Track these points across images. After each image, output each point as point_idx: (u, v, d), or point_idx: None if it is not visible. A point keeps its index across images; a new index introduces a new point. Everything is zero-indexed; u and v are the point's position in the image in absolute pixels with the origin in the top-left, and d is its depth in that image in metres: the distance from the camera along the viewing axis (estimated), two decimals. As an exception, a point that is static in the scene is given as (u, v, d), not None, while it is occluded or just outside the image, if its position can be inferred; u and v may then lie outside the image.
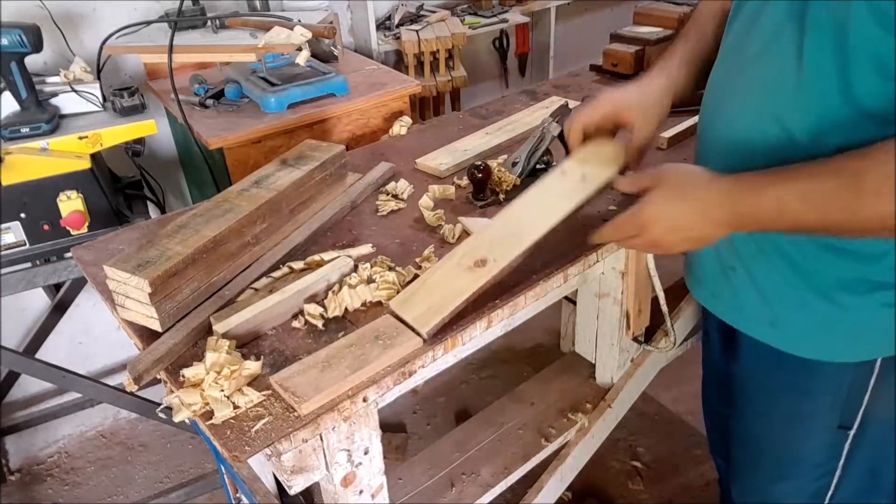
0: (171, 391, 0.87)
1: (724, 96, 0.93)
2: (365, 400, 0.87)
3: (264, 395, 0.85)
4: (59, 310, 2.00)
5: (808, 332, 0.92)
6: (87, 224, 1.50)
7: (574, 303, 1.45)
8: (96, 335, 2.20)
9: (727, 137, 0.91)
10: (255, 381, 0.87)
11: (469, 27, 2.41)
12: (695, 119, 1.48)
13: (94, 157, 1.49)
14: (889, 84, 0.73)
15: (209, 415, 0.83)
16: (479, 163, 1.22)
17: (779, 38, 0.82)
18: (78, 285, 1.92)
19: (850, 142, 0.76)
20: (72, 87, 1.55)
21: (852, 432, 0.96)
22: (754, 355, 1.01)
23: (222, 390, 0.84)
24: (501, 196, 1.25)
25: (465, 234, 1.17)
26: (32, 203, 1.46)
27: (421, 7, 2.50)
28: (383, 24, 2.41)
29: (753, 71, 0.87)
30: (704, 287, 1.06)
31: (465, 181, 1.32)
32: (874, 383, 0.91)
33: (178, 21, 1.70)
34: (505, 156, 1.38)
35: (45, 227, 1.48)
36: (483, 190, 1.24)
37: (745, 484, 1.14)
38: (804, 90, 0.80)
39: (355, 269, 1.06)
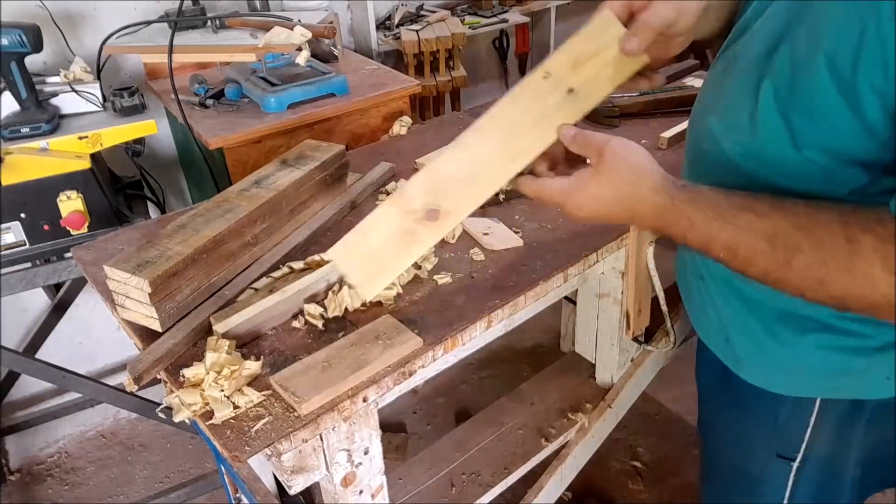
0: (171, 391, 0.87)
1: (706, 103, 0.88)
2: (365, 400, 0.87)
3: (264, 395, 0.85)
4: (59, 310, 2.00)
5: (751, 358, 0.90)
6: (87, 224, 1.50)
7: (574, 303, 1.45)
8: (96, 335, 2.20)
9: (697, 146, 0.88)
10: (255, 381, 0.87)
11: (469, 27, 2.41)
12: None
13: (94, 157, 1.49)
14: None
15: (209, 415, 0.83)
16: None
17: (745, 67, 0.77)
18: (78, 285, 1.92)
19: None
20: (72, 87, 1.55)
21: (795, 465, 0.93)
22: (710, 366, 0.99)
23: (222, 390, 0.84)
24: (501, 196, 1.25)
25: (465, 233, 1.17)
26: (32, 203, 1.46)
27: (421, 7, 2.50)
28: (383, 24, 2.41)
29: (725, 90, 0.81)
30: (682, 288, 1.04)
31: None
32: (815, 421, 0.88)
33: (178, 21, 1.70)
34: None
35: (45, 227, 1.48)
36: None
37: (708, 492, 1.13)
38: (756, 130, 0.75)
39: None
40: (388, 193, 1.30)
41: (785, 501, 0.96)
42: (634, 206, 0.77)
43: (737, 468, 1.01)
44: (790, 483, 0.94)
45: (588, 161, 0.81)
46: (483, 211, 1.24)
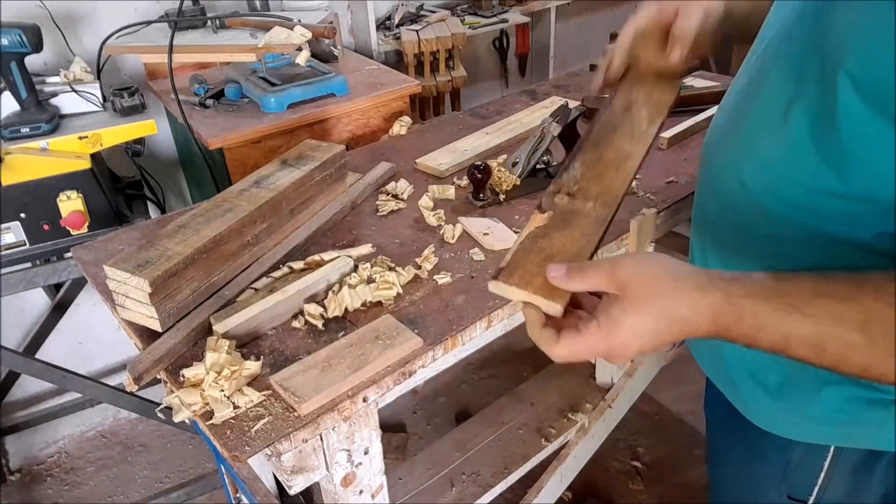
0: (171, 391, 0.87)
1: (725, 137, 0.83)
2: (365, 400, 0.87)
3: (264, 395, 0.85)
4: (59, 310, 2.00)
5: (760, 404, 0.87)
6: (87, 224, 1.50)
7: (574, 303, 1.45)
8: (96, 335, 2.20)
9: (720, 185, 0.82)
10: (255, 381, 0.87)
11: (469, 27, 2.41)
12: (695, 119, 1.48)
13: (94, 157, 1.49)
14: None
15: (209, 415, 0.83)
16: (479, 163, 1.22)
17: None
18: (78, 285, 1.92)
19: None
20: (72, 87, 1.55)
21: None
22: (718, 401, 0.96)
23: (222, 390, 0.84)
24: (501, 196, 1.25)
25: (466, 234, 1.17)
26: (32, 203, 1.46)
27: (421, 7, 2.50)
28: (383, 24, 2.41)
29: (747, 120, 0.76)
30: None
31: (465, 181, 1.32)
32: (828, 465, 0.85)
33: (178, 21, 1.70)
34: (505, 156, 1.38)
35: (45, 227, 1.48)
36: (483, 190, 1.24)
37: None
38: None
39: (355, 269, 1.06)
40: (388, 193, 1.30)
41: None
42: (684, 318, 0.62)
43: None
44: None
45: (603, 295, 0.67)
46: (483, 211, 1.24)
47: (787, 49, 0.71)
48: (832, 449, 0.84)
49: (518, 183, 1.24)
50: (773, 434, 0.86)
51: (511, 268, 0.68)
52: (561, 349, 0.65)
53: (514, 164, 1.26)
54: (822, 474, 0.86)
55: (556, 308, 0.65)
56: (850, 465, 0.84)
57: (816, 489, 0.87)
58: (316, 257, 1.08)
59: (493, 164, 1.27)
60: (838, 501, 0.87)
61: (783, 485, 0.90)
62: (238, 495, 1.53)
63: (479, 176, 1.21)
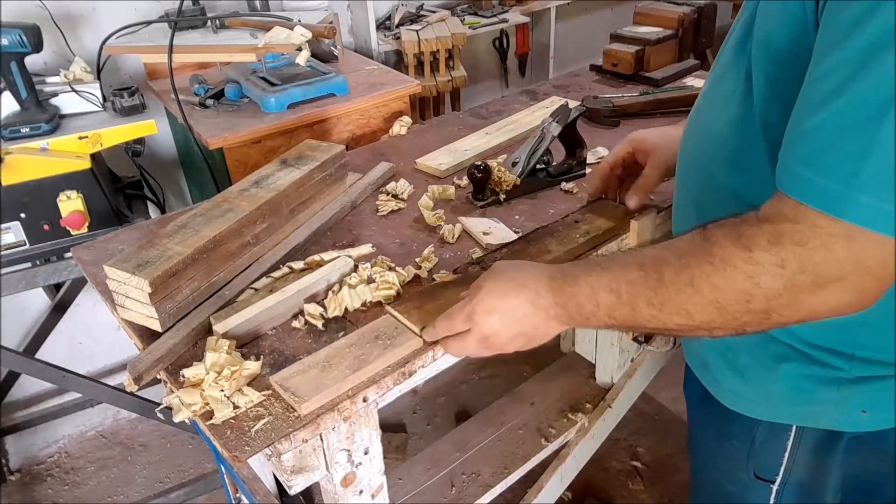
0: (171, 391, 0.87)
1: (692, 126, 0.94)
2: (365, 400, 0.87)
3: (264, 395, 0.85)
4: (59, 310, 2.00)
5: (728, 384, 0.90)
6: (87, 224, 1.50)
7: (574, 303, 1.45)
8: (96, 335, 2.20)
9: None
10: (255, 381, 0.87)
11: (469, 27, 2.41)
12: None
13: (94, 157, 1.49)
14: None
15: (209, 415, 0.83)
16: (479, 163, 1.22)
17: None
18: (78, 285, 1.92)
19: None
20: (72, 87, 1.55)
21: (775, 487, 0.92)
22: (694, 386, 0.99)
23: (222, 390, 0.84)
24: (501, 196, 1.25)
25: (465, 234, 1.17)
26: (32, 203, 1.46)
27: (421, 7, 2.50)
28: (383, 24, 2.41)
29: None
30: None
31: (465, 181, 1.32)
32: (791, 445, 0.88)
33: (178, 21, 1.70)
34: (505, 155, 1.38)
35: (45, 227, 1.48)
36: (483, 190, 1.24)
37: None
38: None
39: (355, 269, 1.06)
40: (387, 193, 1.30)
41: None
42: (526, 283, 0.79)
43: (720, 487, 1.00)
44: None
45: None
46: (483, 211, 1.24)
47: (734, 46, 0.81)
48: (794, 429, 0.86)
49: (518, 183, 1.24)
50: (739, 414, 0.89)
51: (404, 301, 0.97)
52: (436, 325, 0.87)
53: (514, 164, 1.26)
54: (787, 454, 0.89)
55: (418, 331, 0.91)
56: (811, 445, 0.86)
57: (782, 469, 0.90)
58: (316, 257, 1.08)
59: (492, 164, 1.27)
60: (802, 482, 0.90)
61: (749, 464, 0.92)
62: (238, 495, 1.53)
63: (479, 176, 1.21)
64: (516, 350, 0.84)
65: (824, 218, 0.59)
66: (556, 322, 0.79)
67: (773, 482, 0.92)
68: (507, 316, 0.80)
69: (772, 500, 0.93)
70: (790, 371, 0.82)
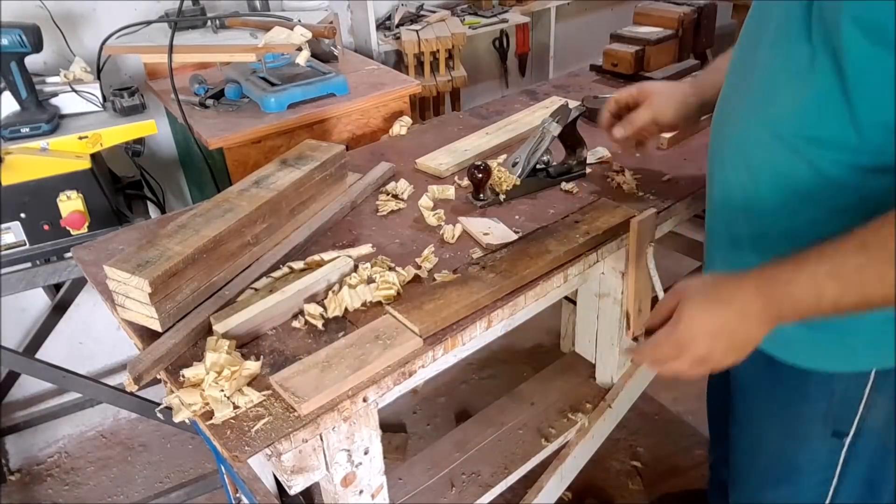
0: (171, 391, 0.87)
1: (731, 106, 0.93)
2: (365, 400, 0.87)
3: (264, 395, 0.85)
4: (59, 310, 2.00)
5: (801, 342, 0.91)
6: (87, 224, 1.50)
7: (574, 303, 1.45)
8: (96, 335, 2.20)
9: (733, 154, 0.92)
10: (255, 381, 0.87)
11: (469, 27, 2.41)
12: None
13: (94, 157, 1.49)
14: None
15: (209, 415, 0.83)
16: (479, 163, 1.22)
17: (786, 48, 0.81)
18: (78, 285, 1.92)
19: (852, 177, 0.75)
20: (72, 87, 1.55)
21: (848, 440, 0.94)
22: (751, 361, 1.00)
23: (222, 390, 0.84)
24: (501, 196, 1.25)
25: (465, 234, 1.17)
26: (32, 203, 1.46)
27: (421, 7, 2.50)
28: (383, 24, 2.41)
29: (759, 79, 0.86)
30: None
31: (465, 181, 1.32)
32: (869, 392, 0.90)
33: (178, 21, 1.69)
34: (505, 156, 1.38)
35: (45, 227, 1.48)
36: (483, 190, 1.24)
37: (742, 488, 1.14)
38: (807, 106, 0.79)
39: (355, 269, 1.06)
40: (388, 193, 1.30)
41: (833, 485, 0.98)
42: (731, 293, 0.78)
43: (780, 459, 1.02)
44: (840, 462, 0.96)
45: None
46: (483, 211, 1.24)
47: (783, 17, 0.81)
48: (873, 374, 0.88)
49: (518, 183, 1.24)
50: (815, 372, 0.91)
51: (404, 301, 0.99)
52: (643, 351, 0.86)
53: (515, 165, 1.26)
54: (863, 404, 0.91)
55: (417, 331, 0.93)
56: (889, 389, 0.89)
57: (856, 420, 0.92)
58: (316, 257, 1.08)
59: (492, 164, 1.27)
60: (877, 428, 0.92)
61: (826, 421, 0.94)
62: (238, 495, 1.53)
63: (479, 176, 1.21)
64: (734, 361, 0.82)
65: None
66: (768, 324, 0.78)
67: (846, 435, 0.94)
68: (719, 334, 0.79)
69: (842, 455, 0.95)
70: (872, 315, 0.82)
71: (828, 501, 1.01)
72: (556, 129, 1.23)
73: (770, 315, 0.76)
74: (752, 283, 0.77)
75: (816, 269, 0.73)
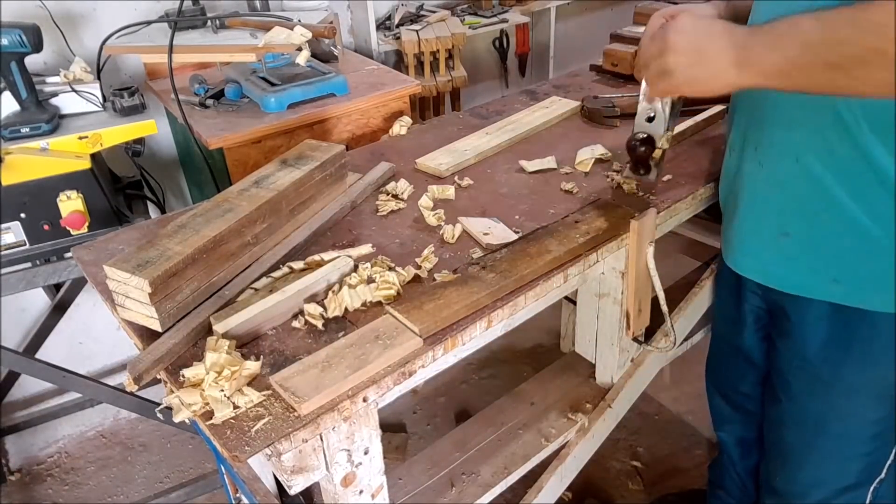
0: (171, 391, 0.87)
1: None
2: (365, 400, 0.87)
3: (264, 395, 0.85)
4: (59, 310, 2.00)
5: (872, 283, 0.95)
6: (87, 224, 1.50)
7: (574, 303, 1.45)
8: (96, 335, 2.20)
9: None
10: (255, 381, 0.87)
11: (469, 27, 2.41)
12: (695, 119, 1.48)
13: (94, 157, 1.49)
14: None
15: (209, 415, 0.83)
16: (641, 134, 1.18)
17: None
18: (78, 285, 1.92)
19: None
20: (72, 87, 1.55)
21: None
22: (815, 331, 1.04)
23: (222, 390, 0.84)
24: (654, 167, 1.22)
25: (465, 234, 1.17)
26: (32, 203, 1.46)
27: (421, 7, 2.50)
28: (383, 24, 2.41)
29: None
30: (755, 259, 1.09)
31: (465, 181, 1.32)
32: None
33: (178, 21, 1.70)
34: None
35: (45, 227, 1.48)
36: (645, 164, 1.21)
37: (794, 464, 1.17)
38: None
39: (355, 269, 1.06)
40: (388, 193, 1.30)
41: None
42: (723, 24, 0.89)
43: (847, 423, 1.06)
44: None
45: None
46: (483, 211, 1.24)
47: None
48: None
49: (667, 147, 1.20)
50: (884, 321, 0.95)
51: (404, 301, 0.98)
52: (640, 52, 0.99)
53: (657, 130, 1.18)
54: None
55: (417, 331, 0.92)
56: None
57: None
58: (316, 257, 1.08)
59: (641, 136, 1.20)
60: None
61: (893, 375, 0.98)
62: (238, 495, 1.53)
63: (643, 149, 1.18)
64: (690, 86, 0.92)
65: None
66: (736, 69, 0.86)
67: None
68: (697, 43, 0.88)
69: None
70: None
71: (889, 462, 1.06)
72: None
73: (738, 56, 0.85)
74: (733, 29, 0.87)
75: (777, 25, 0.82)
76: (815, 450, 1.12)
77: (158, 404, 0.93)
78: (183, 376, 0.87)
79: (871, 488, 1.09)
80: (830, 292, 0.99)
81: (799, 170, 0.97)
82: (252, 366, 0.88)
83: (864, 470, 1.08)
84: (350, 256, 1.07)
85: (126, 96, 1.53)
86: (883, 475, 1.06)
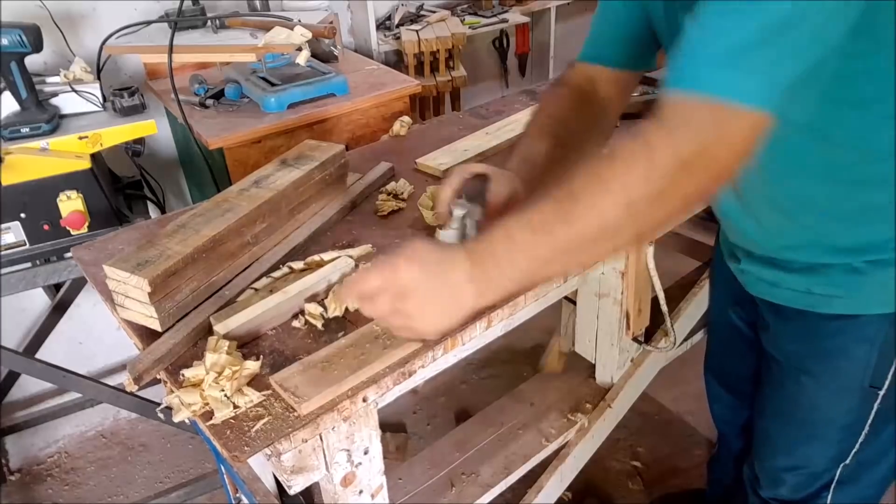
0: (171, 391, 0.87)
1: None
2: (365, 400, 0.87)
3: (264, 395, 0.85)
4: (59, 310, 2.00)
5: (845, 289, 0.95)
6: (87, 224, 1.50)
7: (574, 303, 1.45)
8: (96, 335, 2.20)
9: None
10: (254, 381, 0.87)
11: (469, 27, 2.41)
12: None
13: (94, 157, 1.49)
14: None
15: (209, 415, 0.83)
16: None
17: None
18: (78, 285, 1.92)
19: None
20: (72, 87, 1.55)
21: (882, 392, 0.99)
22: (792, 335, 1.06)
23: (222, 390, 0.84)
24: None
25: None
26: (32, 203, 1.46)
27: (421, 7, 2.50)
28: (383, 24, 2.41)
29: None
30: (744, 265, 1.10)
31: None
32: None
33: (178, 21, 1.70)
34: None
35: (45, 227, 1.48)
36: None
37: (770, 449, 1.19)
38: None
39: (355, 268, 1.06)
40: (387, 193, 1.30)
41: (866, 429, 1.04)
42: (444, 253, 0.75)
43: (814, 414, 1.08)
44: (873, 414, 1.02)
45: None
46: (483, 211, 1.23)
47: None
48: None
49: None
50: (855, 323, 0.96)
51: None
52: (355, 279, 0.78)
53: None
54: None
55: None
56: None
57: (892, 370, 0.98)
58: (316, 257, 1.08)
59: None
60: None
61: (866, 372, 1.00)
62: (238, 495, 1.53)
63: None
64: (432, 324, 0.76)
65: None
66: (473, 286, 0.73)
67: (881, 388, 0.99)
68: (430, 267, 0.74)
69: (875, 407, 1.01)
70: None
71: (854, 451, 1.07)
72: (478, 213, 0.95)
73: (473, 272, 0.73)
74: (463, 249, 0.75)
75: (514, 219, 0.72)
76: (790, 437, 1.14)
77: (158, 404, 0.93)
78: (183, 376, 0.87)
79: (837, 472, 1.11)
80: (808, 301, 1.01)
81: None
82: (252, 366, 0.88)
83: (835, 457, 1.10)
84: (350, 256, 1.07)
85: (126, 96, 1.53)
86: (848, 461, 1.09)
